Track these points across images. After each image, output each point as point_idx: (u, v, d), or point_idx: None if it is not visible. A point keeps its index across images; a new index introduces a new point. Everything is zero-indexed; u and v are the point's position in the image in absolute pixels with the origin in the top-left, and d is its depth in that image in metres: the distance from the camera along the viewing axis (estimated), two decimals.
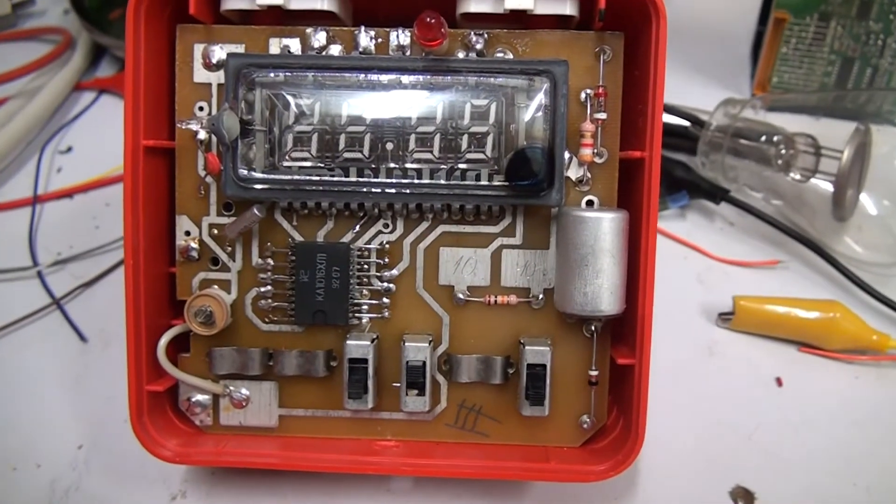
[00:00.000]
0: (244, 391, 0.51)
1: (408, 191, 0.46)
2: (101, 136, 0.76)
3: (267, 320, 0.50)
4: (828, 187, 0.62)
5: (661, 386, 0.56)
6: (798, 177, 0.63)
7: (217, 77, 0.49)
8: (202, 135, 0.49)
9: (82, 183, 0.72)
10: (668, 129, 0.70)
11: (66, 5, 0.84)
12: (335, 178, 0.47)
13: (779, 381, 0.58)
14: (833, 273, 0.63)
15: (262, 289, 0.50)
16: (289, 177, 0.47)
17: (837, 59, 0.71)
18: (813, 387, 0.58)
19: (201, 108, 0.50)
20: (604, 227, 0.45)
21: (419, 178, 0.47)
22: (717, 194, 0.66)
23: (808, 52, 0.72)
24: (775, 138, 0.64)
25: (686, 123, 0.70)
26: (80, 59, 0.82)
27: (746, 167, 0.66)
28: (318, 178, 0.47)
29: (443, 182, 0.46)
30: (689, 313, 0.62)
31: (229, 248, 0.50)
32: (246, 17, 0.51)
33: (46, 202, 0.71)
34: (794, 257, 0.65)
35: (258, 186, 0.47)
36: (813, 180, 0.63)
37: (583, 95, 0.48)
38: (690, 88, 0.77)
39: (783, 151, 0.64)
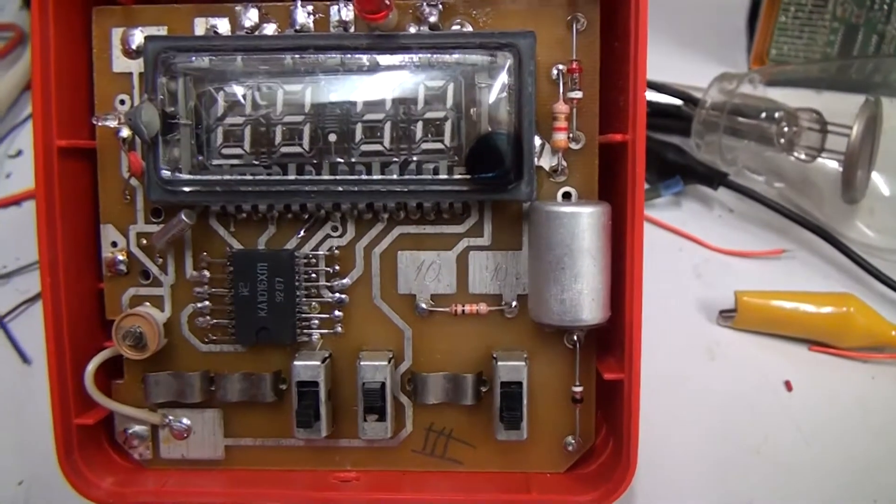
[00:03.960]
0: (185, 421, 0.45)
1: (355, 188, 0.41)
2: None
3: (206, 340, 0.45)
4: (836, 167, 0.56)
5: (657, 394, 0.51)
6: (803, 156, 0.58)
7: (138, 65, 0.44)
8: (125, 132, 0.43)
9: (32, 189, 0.66)
10: (659, 109, 0.66)
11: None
12: (272, 178, 0.41)
13: (788, 386, 0.53)
14: (844, 262, 0.58)
15: (199, 304, 0.45)
16: (219, 177, 0.41)
17: (840, 26, 0.66)
18: (826, 390, 0.53)
19: (122, 102, 0.44)
20: (581, 224, 0.39)
21: (368, 173, 0.41)
22: (715, 179, 0.61)
23: (809, 20, 0.67)
24: (776, 115, 0.59)
25: (678, 102, 0.65)
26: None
27: (746, 148, 0.60)
28: (252, 177, 0.41)
29: (395, 177, 0.41)
30: (686, 311, 0.57)
31: (160, 260, 0.45)
32: None
33: None
34: (801, 245, 0.60)
35: (186, 189, 0.41)
36: (819, 160, 0.57)
37: (554, 72, 0.42)
38: (682, 64, 0.71)
39: (785, 129, 0.59)
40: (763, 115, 0.59)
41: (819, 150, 0.57)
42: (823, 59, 0.68)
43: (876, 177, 0.57)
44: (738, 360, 0.54)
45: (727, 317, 0.55)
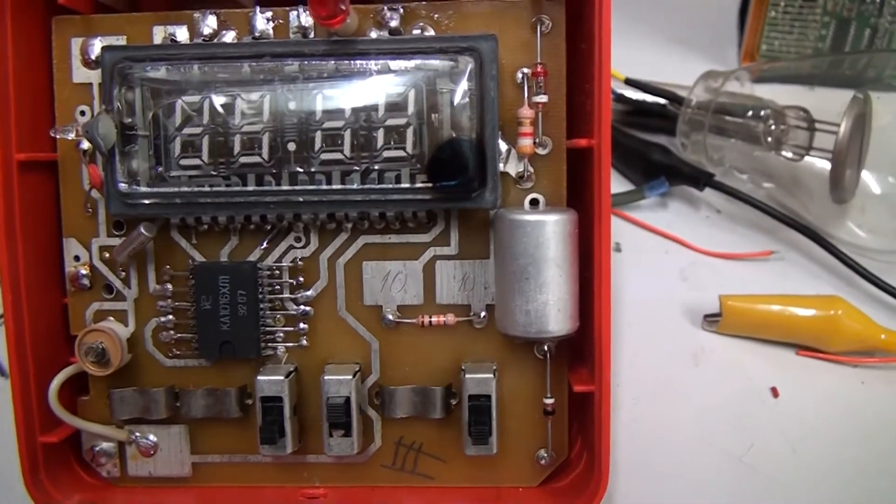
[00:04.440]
0: (151, 437, 0.44)
1: (315, 199, 0.40)
2: None
3: (170, 355, 0.44)
4: (825, 165, 0.55)
5: (640, 402, 0.51)
6: (790, 155, 0.56)
7: (98, 76, 0.42)
8: (85, 144, 0.42)
9: None
10: (644, 109, 0.65)
11: None
12: (231, 189, 0.40)
13: (774, 392, 0.51)
14: (833, 263, 0.56)
15: (163, 319, 0.44)
16: (177, 189, 0.40)
17: (831, 20, 0.64)
18: (813, 396, 0.51)
19: (83, 113, 0.43)
20: (546, 232, 0.38)
21: (328, 182, 0.40)
22: (701, 179, 0.59)
23: (799, 14, 0.65)
24: (763, 113, 0.58)
25: (663, 101, 0.63)
26: None
27: (732, 147, 0.59)
28: (210, 188, 0.40)
29: (356, 186, 0.40)
30: (671, 316, 0.56)
31: (123, 274, 0.44)
32: (131, 3, 0.44)
33: None
34: (789, 247, 0.58)
35: (145, 202, 0.40)
36: (807, 158, 0.56)
37: (519, 76, 0.41)
38: (671, 62, 0.70)
39: (773, 127, 0.57)
40: (749, 113, 0.58)
41: (807, 149, 0.56)
42: (814, 55, 0.66)
43: (866, 175, 0.55)
44: (723, 366, 0.53)
45: (712, 321, 0.54)
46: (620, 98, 0.64)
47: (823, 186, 0.55)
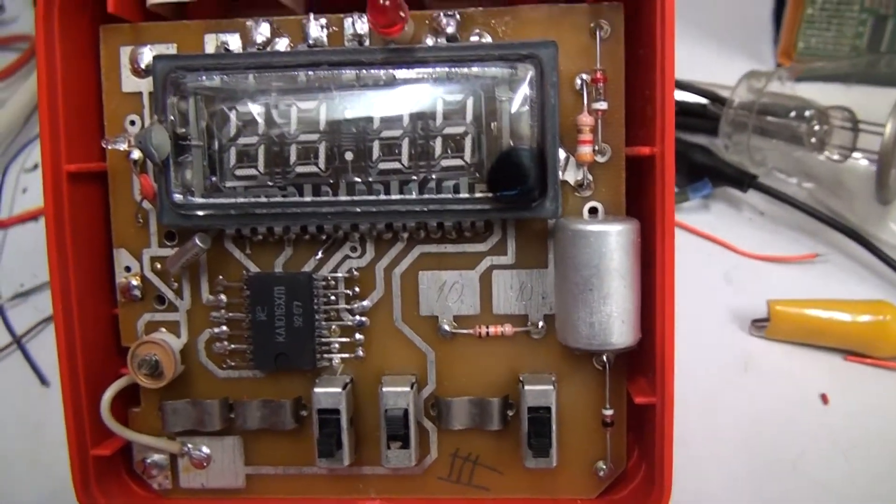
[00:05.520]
0: (204, 449, 0.44)
1: (374, 209, 0.39)
2: None
3: (224, 366, 0.44)
4: (869, 166, 0.54)
5: (689, 409, 0.50)
6: (835, 156, 0.56)
7: (148, 84, 0.42)
8: (136, 154, 0.42)
9: None
10: (685, 109, 0.64)
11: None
12: (287, 199, 0.40)
13: (824, 398, 0.51)
14: (879, 266, 0.55)
15: (216, 330, 0.43)
16: (233, 199, 0.40)
17: (869, 17, 0.63)
18: (863, 402, 0.51)
19: (133, 123, 0.43)
20: (610, 243, 0.37)
21: (386, 192, 0.39)
22: (744, 180, 0.58)
23: (837, 11, 0.64)
24: (807, 113, 0.57)
25: (704, 101, 0.62)
26: None
27: (775, 148, 0.58)
28: (267, 199, 0.40)
29: (414, 196, 0.39)
30: (717, 320, 0.55)
31: (175, 285, 0.43)
32: (179, 11, 0.44)
33: (10, 227, 0.64)
34: (834, 249, 0.57)
35: (199, 213, 0.40)
36: (851, 159, 0.55)
37: (578, 82, 0.40)
38: (705, 60, 0.69)
39: (816, 128, 0.56)
40: (793, 113, 0.57)
41: (851, 150, 0.55)
42: (853, 55, 0.65)
43: None
44: (772, 372, 0.52)
45: (760, 326, 0.53)
46: None
47: (868, 187, 0.54)
